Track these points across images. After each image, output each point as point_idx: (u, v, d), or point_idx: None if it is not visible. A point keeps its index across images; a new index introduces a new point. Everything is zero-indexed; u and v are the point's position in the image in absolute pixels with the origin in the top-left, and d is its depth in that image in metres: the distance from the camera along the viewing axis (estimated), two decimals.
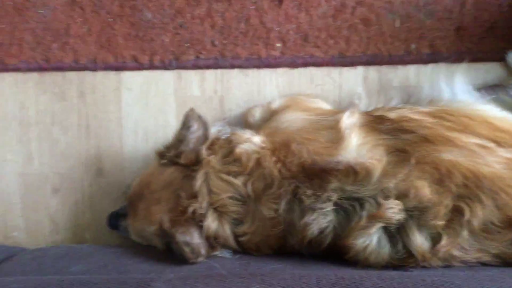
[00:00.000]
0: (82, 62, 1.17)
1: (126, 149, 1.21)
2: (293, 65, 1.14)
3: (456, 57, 1.08)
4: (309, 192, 0.82)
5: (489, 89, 1.05)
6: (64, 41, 1.17)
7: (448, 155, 0.80)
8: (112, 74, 1.19)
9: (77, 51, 1.17)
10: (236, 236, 0.90)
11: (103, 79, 1.19)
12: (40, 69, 1.19)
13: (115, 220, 1.09)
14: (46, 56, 1.18)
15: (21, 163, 1.21)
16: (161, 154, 1.00)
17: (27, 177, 1.21)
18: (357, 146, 0.83)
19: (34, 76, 1.20)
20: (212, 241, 0.89)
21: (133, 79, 1.19)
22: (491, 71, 1.08)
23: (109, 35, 1.16)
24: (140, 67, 1.17)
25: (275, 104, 1.07)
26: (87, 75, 1.19)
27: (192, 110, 0.98)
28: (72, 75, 1.19)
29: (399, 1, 1.08)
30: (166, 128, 1.19)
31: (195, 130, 0.97)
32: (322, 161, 0.83)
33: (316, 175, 0.82)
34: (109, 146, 1.21)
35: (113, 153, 1.21)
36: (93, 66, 1.17)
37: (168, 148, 0.99)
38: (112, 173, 1.21)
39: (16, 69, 1.19)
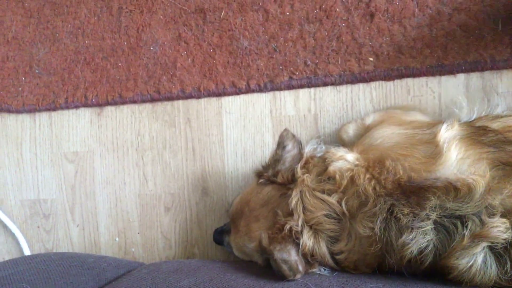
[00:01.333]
0: (188, 91, 1.29)
1: (228, 169, 1.29)
2: (387, 77, 1.12)
3: None
4: (406, 210, 0.79)
5: None
6: (172, 73, 1.30)
7: None
8: (213, 100, 1.28)
9: (183, 82, 1.29)
10: (332, 254, 0.89)
11: (206, 105, 1.29)
12: (152, 100, 1.33)
13: (220, 236, 1.16)
14: (157, 88, 1.32)
15: (138, 185, 1.36)
16: (259, 174, 1.04)
17: (143, 197, 1.35)
18: (457, 161, 0.79)
19: (148, 106, 1.35)
20: (309, 258, 0.90)
21: (232, 103, 1.27)
22: None
23: (210, 65, 1.26)
24: (238, 91, 1.25)
25: (369, 120, 1.06)
26: (192, 103, 1.30)
27: (286, 130, 1.01)
28: (179, 103, 1.31)
29: (501, 3, 1.00)
30: (263, 148, 1.25)
31: (290, 149, 1.00)
32: (419, 178, 0.80)
33: (413, 192, 0.79)
34: (213, 167, 1.30)
35: (216, 173, 1.29)
36: (197, 94, 1.28)
37: (265, 167, 1.04)
38: (216, 192, 1.29)
39: (132, 101, 1.35)
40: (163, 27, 1.30)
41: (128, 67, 1.34)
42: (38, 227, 1.43)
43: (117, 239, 1.36)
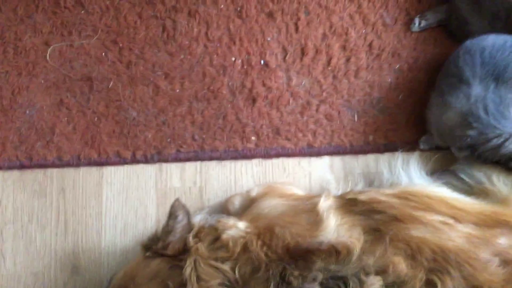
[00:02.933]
0: (66, 159, 1.22)
1: (105, 244, 1.21)
2: (267, 156, 1.25)
3: (408, 146, 1.23)
4: (296, 273, 0.86)
5: (440, 173, 1.18)
6: (48, 139, 1.22)
7: (417, 232, 0.90)
8: (94, 170, 1.23)
9: (61, 149, 1.22)
10: None
11: (85, 175, 1.23)
12: (22, 166, 1.21)
13: None
14: (29, 154, 1.22)
15: None
16: (146, 247, 1.01)
17: None
18: (336, 227, 0.91)
19: (15, 174, 1.22)
20: None
21: (115, 173, 1.24)
22: (441, 158, 1.21)
23: (94, 133, 1.23)
24: (122, 162, 1.23)
25: (254, 192, 1.15)
26: (69, 172, 1.23)
27: (177, 200, 1.03)
28: (53, 172, 1.23)
29: (356, 99, 1.25)
30: (145, 220, 1.23)
31: (181, 220, 1.01)
32: (305, 242, 0.89)
33: (301, 256, 0.88)
34: (87, 242, 1.21)
35: (90, 249, 1.21)
36: (76, 162, 1.22)
37: (153, 240, 1.01)
38: (89, 269, 1.19)
39: None
40: (43, 92, 1.24)
41: None
42: None
43: None
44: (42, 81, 1.25)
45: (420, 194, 0.99)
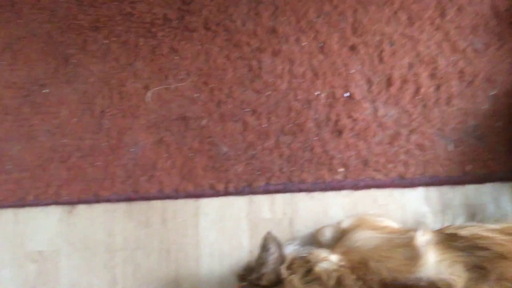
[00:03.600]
0: (166, 192, 1.32)
1: (203, 271, 1.28)
2: (356, 187, 1.25)
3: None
4: None
5: None
6: (151, 174, 1.34)
7: None
8: (191, 201, 1.32)
9: (162, 182, 1.33)
10: None
11: (184, 206, 1.32)
12: (129, 199, 1.34)
13: None
14: (135, 188, 1.34)
15: (106, 287, 1.30)
16: (241, 277, 1.06)
17: None
18: (436, 263, 0.88)
19: (123, 206, 1.35)
20: None
21: (209, 205, 1.32)
22: None
23: (190, 168, 1.33)
24: (216, 194, 1.31)
25: (345, 224, 1.15)
26: (169, 203, 1.33)
27: (269, 232, 1.06)
28: (156, 203, 1.33)
29: (450, 128, 1.21)
30: (239, 250, 1.28)
31: (273, 252, 1.04)
32: (403, 278, 0.88)
33: None
34: (187, 269, 1.29)
35: (190, 276, 1.28)
36: (175, 194, 1.32)
37: (248, 270, 1.05)
38: None
39: (107, 200, 1.34)
40: (145, 131, 1.37)
41: (106, 166, 1.36)
42: None
43: None
44: (144, 122, 1.38)
45: None
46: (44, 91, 1.44)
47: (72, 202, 1.35)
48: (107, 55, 1.43)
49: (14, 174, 1.37)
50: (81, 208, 1.35)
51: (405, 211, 1.22)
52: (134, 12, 1.44)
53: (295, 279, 0.97)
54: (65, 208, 1.35)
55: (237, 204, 1.31)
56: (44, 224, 1.35)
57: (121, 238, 1.33)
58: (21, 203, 1.35)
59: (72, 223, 1.34)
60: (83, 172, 1.37)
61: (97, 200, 1.35)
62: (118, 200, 1.35)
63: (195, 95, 1.37)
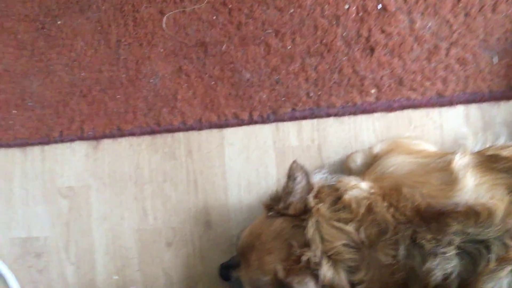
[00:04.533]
0: (189, 123, 1.28)
1: (231, 201, 1.27)
2: (389, 109, 1.15)
3: None
4: (428, 236, 0.80)
5: None
6: (172, 105, 1.29)
7: None
8: (215, 132, 1.28)
9: (184, 113, 1.28)
10: (353, 285, 0.89)
11: (208, 137, 1.29)
12: (152, 132, 1.31)
13: (227, 271, 1.13)
14: (157, 120, 1.30)
15: (137, 220, 1.32)
16: (268, 206, 1.03)
17: (143, 232, 1.31)
18: (474, 187, 0.81)
19: (147, 139, 1.33)
20: None
21: (234, 135, 1.27)
22: None
23: (212, 97, 1.27)
24: (240, 123, 1.25)
25: (377, 149, 1.08)
26: (193, 135, 1.29)
27: (295, 161, 1.01)
28: (180, 135, 1.30)
29: (495, 39, 1.07)
30: (267, 179, 1.25)
31: (300, 181, 0.99)
32: (439, 204, 0.82)
33: (433, 218, 0.81)
34: (216, 199, 1.28)
35: (219, 206, 1.28)
36: (199, 125, 1.28)
37: (275, 200, 1.02)
38: (220, 225, 1.27)
39: (131, 134, 1.33)
40: (163, 60, 1.30)
41: (127, 99, 1.32)
42: (30, 267, 1.35)
43: (115, 277, 1.31)
44: (161, 50, 1.30)
45: None
46: (58, 22, 1.38)
47: (97, 137, 1.34)
48: None
49: (37, 111, 1.37)
50: (106, 143, 1.34)
51: (443, 132, 1.13)
52: None
53: (323, 208, 0.93)
54: (90, 143, 1.35)
55: (263, 133, 1.25)
56: (71, 160, 1.36)
57: (148, 171, 1.32)
58: (46, 140, 1.35)
59: (98, 158, 1.35)
60: (105, 106, 1.34)
61: (121, 134, 1.33)
62: (142, 133, 1.32)
63: (213, 17, 1.27)
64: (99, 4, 1.34)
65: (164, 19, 1.30)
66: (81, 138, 1.34)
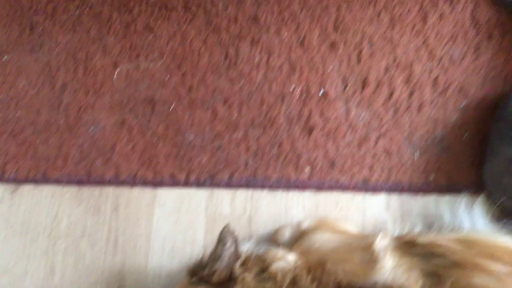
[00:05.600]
0: (122, 178, 1.24)
1: (151, 265, 1.21)
2: (320, 188, 1.21)
3: (473, 188, 1.15)
4: None
5: (507, 221, 1.09)
6: (108, 157, 1.26)
7: (479, 280, 0.82)
8: (148, 190, 1.25)
9: (119, 167, 1.25)
10: None
11: (139, 195, 1.25)
12: (80, 182, 1.25)
13: None
14: (88, 171, 1.26)
15: (42, 276, 1.20)
16: (192, 272, 1.00)
17: None
18: (392, 268, 0.85)
19: (72, 189, 1.26)
20: None
21: (167, 195, 1.24)
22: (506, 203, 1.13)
23: (151, 154, 1.25)
24: (176, 184, 1.24)
25: (305, 224, 1.11)
26: (124, 191, 1.25)
27: (227, 226, 1.00)
28: (109, 190, 1.25)
29: (417, 136, 1.20)
30: (193, 245, 1.21)
31: (229, 247, 0.98)
32: (359, 281, 0.84)
33: None
34: (134, 263, 1.21)
35: (137, 270, 1.20)
36: (132, 181, 1.24)
37: (200, 266, 0.99)
38: None
39: (57, 181, 1.26)
40: (107, 111, 1.29)
41: (61, 145, 1.27)
42: None
43: None
44: (108, 101, 1.30)
45: (484, 242, 0.91)
46: (4, 58, 1.35)
47: (18, 181, 1.25)
48: (77, 26, 1.36)
49: None
50: (27, 188, 1.26)
51: (366, 216, 1.19)
52: None
53: (248, 277, 0.91)
54: (9, 186, 1.25)
55: (197, 197, 1.24)
56: None
57: (66, 224, 1.23)
58: None
59: (14, 203, 1.25)
60: (35, 149, 1.28)
61: (45, 180, 1.26)
62: (69, 182, 1.26)
63: (166, 77, 1.30)
64: (52, 47, 1.34)
65: (117, 71, 1.32)
66: (0, 179, 1.25)
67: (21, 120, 1.29)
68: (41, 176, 1.26)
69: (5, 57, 1.34)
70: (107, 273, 1.20)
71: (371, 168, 1.20)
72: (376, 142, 1.21)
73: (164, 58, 1.31)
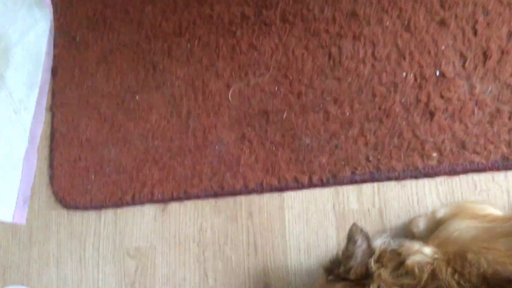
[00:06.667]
0: (251, 187, 1.33)
1: (290, 263, 1.27)
2: (452, 173, 1.13)
3: None
4: None
5: None
6: (235, 170, 1.36)
7: None
8: (276, 195, 1.32)
9: (246, 178, 1.34)
10: None
11: (268, 200, 1.33)
12: (216, 195, 1.38)
13: None
14: (221, 184, 1.37)
15: (198, 281, 1.35)
16: (328, 270, 1.02)
17: None
18: None
19: (210, 202, 1.39)
20: None
21: (294, 198, 1.30)
22: None
23: (273, 162, 1.32)
24: (300, 186, 1.28)
25: (440, 213, 1.05)
26: (254, 198, 1.34)
27: (355, 224, 1.01)
28: (241, 198, 1.35)
29: None
30: (327, 242, 1.24)
31: (360, 244, 0.99)
32: (506, 271, 0.77)
33: (500, 286, 0.76)
34: (275, 262, 1.28)
35: (278, 268, 1.28)
36: (260, 189, 1.32)
37: (335, 263, 1.01)
38: (279, 287, 1.26)
39: (197, 197, 1.40)
40: (228, 128, 1.40)
41: (194, 165, 1.42)
42: None
43: None
44: (227, 119, 1.40)
45: None
46: (136, 97, 1.55)
47: (165, 200, 1.43)
48: (190, 58, 1.50)
49: (113, 176, 1.49)
50: (173, 206, 1.42)
51: (510, 196, 1.08)
52: (213, 14, 1.48)
53: (385, 272, 0.91)
54: (159, 206, 1.44)
55: (323, 196, 1.27)
56: (140, 221, 1.44)
57: (211, 232, 1.37)
58: (119, 203, 1.46)
59: (165, 220, 1.42)
60: (174, 171, 1.44)
61: (187, 197, 1.41)
62: (206, 196, 1.39)
63: (275, 88, 1.36)
64: (173, 81, 1.50)
65: (230, 91, 1.42)
66: (151, 201, 1.44)
67: (159, 148, 1.47)
68: (183, 194, 1.42)
69: (137, 96, 1.54)
70: (252, 273, 1.30)
71: (508, 144, 1.09)
72: (510, 116, 1.09)
73: (270, 71, 1.37)
